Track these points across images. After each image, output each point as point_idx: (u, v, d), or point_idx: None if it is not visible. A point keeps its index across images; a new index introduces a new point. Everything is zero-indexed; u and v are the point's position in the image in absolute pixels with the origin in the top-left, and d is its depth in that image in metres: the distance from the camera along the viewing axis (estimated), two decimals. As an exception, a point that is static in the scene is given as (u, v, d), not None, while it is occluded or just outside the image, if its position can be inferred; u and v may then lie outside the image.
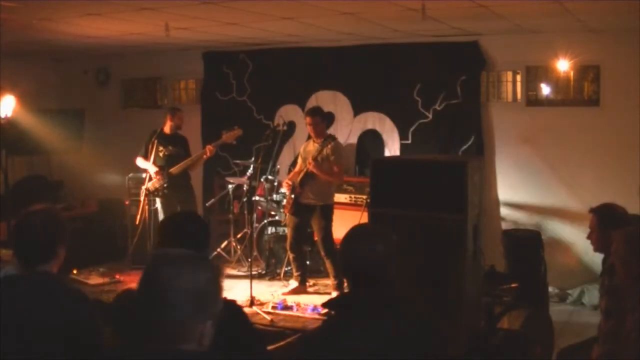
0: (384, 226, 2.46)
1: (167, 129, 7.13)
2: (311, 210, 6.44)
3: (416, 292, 4.80)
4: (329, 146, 6.26)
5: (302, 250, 6.62)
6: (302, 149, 6.72)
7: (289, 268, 6.90)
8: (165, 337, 1.68)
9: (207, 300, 1.73)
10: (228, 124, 7.08)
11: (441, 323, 2.41)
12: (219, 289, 1.79)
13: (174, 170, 6.97)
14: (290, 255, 6.65)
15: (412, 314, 2.28)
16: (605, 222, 3.61)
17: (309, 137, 6.79)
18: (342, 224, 6.60)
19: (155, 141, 7.00)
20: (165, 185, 6.93)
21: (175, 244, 2.45)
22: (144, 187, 7.03)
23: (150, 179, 7.00)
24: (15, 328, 2.39)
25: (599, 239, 3.64)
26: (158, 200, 7.07)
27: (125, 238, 7.80)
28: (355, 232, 2.43)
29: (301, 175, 6.42)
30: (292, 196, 6.46)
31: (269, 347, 2.35)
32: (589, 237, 3.77)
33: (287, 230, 6.67)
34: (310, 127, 6.48)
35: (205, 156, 6.96)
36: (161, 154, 7.01)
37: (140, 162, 7.06)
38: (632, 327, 2.92)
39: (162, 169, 6.96)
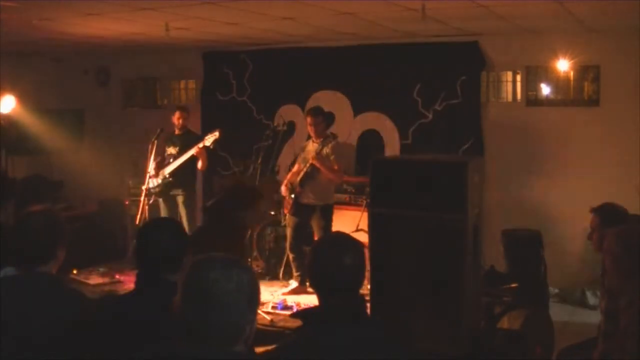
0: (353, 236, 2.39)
1: (175, 129, 7.17)
2: (311, 210, 6.45)
3: (416, 292, 4.81)
4: (329, 145, 6.28)
5: (302, 251, 6.62)
6: (301, 148, 6.73)
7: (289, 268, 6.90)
8: (221, 339, 1.74)
9: (254, 300, 1.81)
10: (228, 124, 7.06)
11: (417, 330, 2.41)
12: (259, 288, 1.87)
13: (165, 170, 6.96)
14: (290, 256, 6.65)
15: (381, 326, 2.27)
16: (606, 221, 3.61)
17: (309, 137, 6.79)
18: (342, 224, 6.61)
19: (166, 142, 7.04)
20: (157, 185, 6.94)
21: (155, 252, 2.47)
22: (143, 187, 7.04)
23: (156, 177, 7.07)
24: (14, 328, 2.39)
25: (599, 239, 3.64)
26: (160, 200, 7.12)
27: (125, 238, 7.80)
28: (323, 243, 2.40)
29: (301, 175, 6.42)
30: (292, 196, 6.46)
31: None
32: (589, 237, 3.76)
33: (287, 231, 6.67)
34: (311, 127, 6.49)
35: (198, 157, 6.83)
36: (165, 154, 7.03)
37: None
38: (627, 326, 2.92)
39: (157, 169, 6.97)
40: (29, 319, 2.41)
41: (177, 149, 7.02)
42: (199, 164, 6.92)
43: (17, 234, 2.61)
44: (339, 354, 2.07)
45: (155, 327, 2.19)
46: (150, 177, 7.00)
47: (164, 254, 2.45)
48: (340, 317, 2.14)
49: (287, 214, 6.63)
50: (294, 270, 6.66)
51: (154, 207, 7.14)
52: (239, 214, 3.55)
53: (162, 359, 1.82)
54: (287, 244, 6.65)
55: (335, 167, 6.37)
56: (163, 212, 7.10)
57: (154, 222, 2.84)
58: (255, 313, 1.83)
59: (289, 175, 6.71)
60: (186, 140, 7.06)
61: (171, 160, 7.00)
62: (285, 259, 7.02)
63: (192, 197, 7.22)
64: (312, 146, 6.52)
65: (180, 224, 3.00)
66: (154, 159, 7.03)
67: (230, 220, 3.64)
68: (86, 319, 2.45)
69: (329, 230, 6.38)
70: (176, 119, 7.13)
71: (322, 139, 6.41)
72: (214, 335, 1.74)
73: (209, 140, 6.73)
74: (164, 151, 7.10)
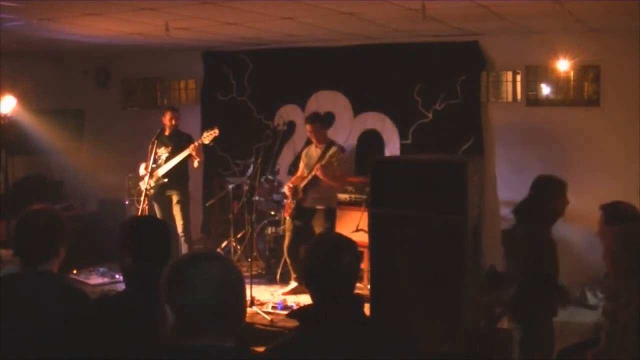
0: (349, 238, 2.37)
1: (165, 129, 7.13)
2: (314, 213, 6.43)
3: (416, 292, 4.81)
4: (336, 157, 6.14)
5: (299, 253, 6.62)
6: (304, 153, 6.69)
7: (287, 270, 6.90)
8: (218, 332, 1.75)
9: (238, 289, 1.84)
10: (228, 124, 7.02)
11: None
12: (242, 277, 1.91)
13: (158, 172, 6.93)
14: (288, 260, 6.63)
15: (379, 326, 2.27)
16: (609, 220, 3.61)
17: (309, 141, 6.76)
18: (342, 224, 6.61)
19: (156, 143, 6.99)
20: (150, 187, 6.90)
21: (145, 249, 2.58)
22: (142, 187, 7.03)
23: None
24: (15, 327, 2.39)
25: (602, 237, 3.64)
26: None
27: (125, 238, 7.76)
28: (319, 243, 2.35)
29: (305, 181, 6.39)
30: (295, 201, 6.43)
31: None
32: (599, 235, 3.77)
33: (286, 234, 6.64)
34: (311, 134, 6.48)
35: (194, 156, 6.78)
36: (156, 156, 6.98)
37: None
38: (626, 325, 2.91)
39: (151, 170, 6.93)
40: (30, 317, 2.42)
41: (169, 149, 6.97)
42: (195, 163, 6.87)
43: (18, 232, 2.61)
44: (337, 354, 2.07)
45: (150, 322, 2.21)
46: (143, 177, 6.99)
47: (152, 250, 2.56)
48: (337, 317, 2.14)
49: (287, 217, 6.60)
50: (292, 272, 6.65)
51: (151, 207, 7.13)
52: (549, 204, 4.09)
53: (158, 356, 1.81)
54: (285, 248, 6.63)
55: (337, 173, 6.34)
56: (157, 213, 7.07)
57: (139, 220, 2.94)
58: (242, 302, 1.87)
59: (293, 179, 6.69)
60: (177, 140, 7.00)
61: (162, 161, 6.94)
62: (283, 261, 7.01)
63: (186, 197, 7.19)
64: (314, 151, 6.49)
65: (164, 221, 3.17)
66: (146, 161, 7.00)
67: (541, 213, 4.09)
68: (87, 316, 2.46)
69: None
70: (168, 119, 7.01)
71: (324, 145, 6.38)
72: (202, 327, 1.74)
73: (207, 137, 6.71)
74: (155, 152, 7.05)
